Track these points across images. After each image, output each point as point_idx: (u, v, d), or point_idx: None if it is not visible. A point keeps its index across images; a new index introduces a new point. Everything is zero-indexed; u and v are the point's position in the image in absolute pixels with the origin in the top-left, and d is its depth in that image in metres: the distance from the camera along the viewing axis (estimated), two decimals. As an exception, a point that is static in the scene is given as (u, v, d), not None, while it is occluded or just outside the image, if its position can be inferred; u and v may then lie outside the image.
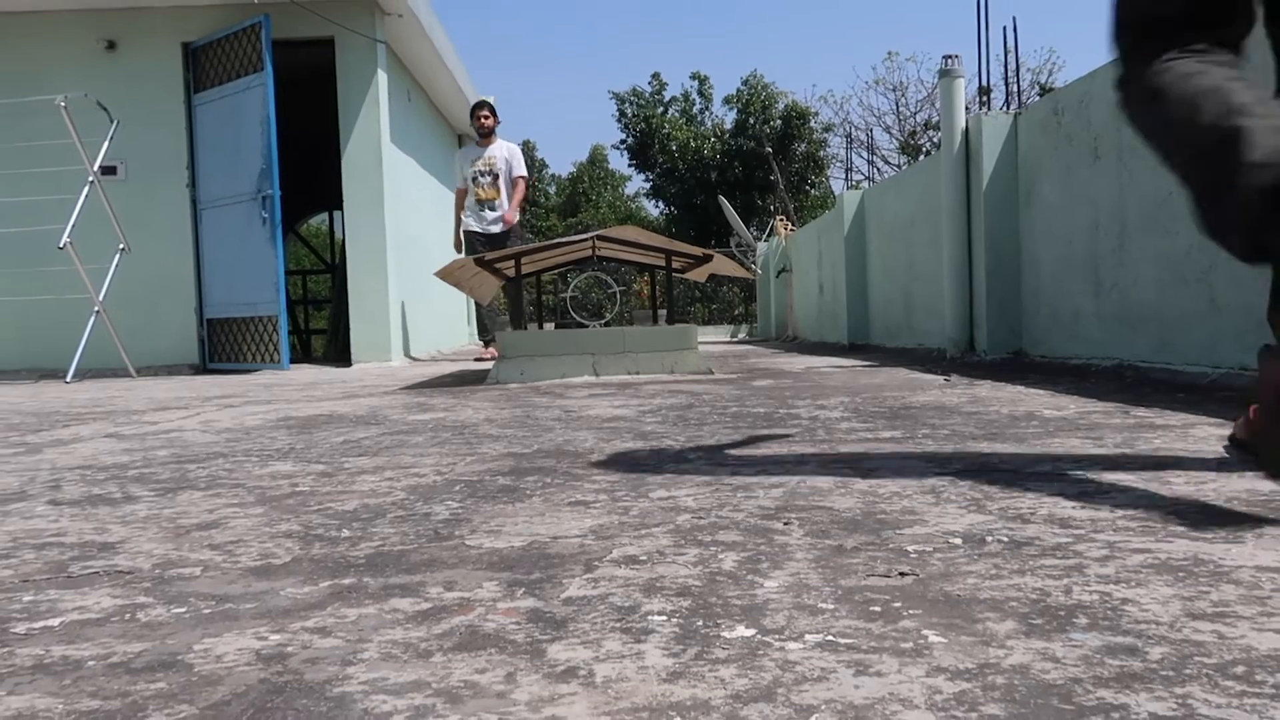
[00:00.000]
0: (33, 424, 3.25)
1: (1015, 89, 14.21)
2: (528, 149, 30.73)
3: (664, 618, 0.91)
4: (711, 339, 12.54)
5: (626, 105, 25.72)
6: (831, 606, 0.92)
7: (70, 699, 0.76)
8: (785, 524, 1.29)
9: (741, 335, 13.55)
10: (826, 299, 8.92)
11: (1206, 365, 3.29)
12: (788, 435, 2.25)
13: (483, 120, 7.80)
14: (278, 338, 7.16)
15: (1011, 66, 13.91)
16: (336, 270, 10.56)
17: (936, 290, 5.66)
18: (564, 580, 1.05)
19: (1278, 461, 1.27)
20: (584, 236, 5.49)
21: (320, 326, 14.11)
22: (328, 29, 7.40)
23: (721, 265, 5.86)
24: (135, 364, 7.00)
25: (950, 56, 5.26)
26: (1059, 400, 2.85)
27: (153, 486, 1.80)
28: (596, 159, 32.00)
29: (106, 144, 7.00)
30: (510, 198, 7.80)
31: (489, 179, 7.74)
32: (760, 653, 0.80)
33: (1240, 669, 0.74)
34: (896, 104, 29.61)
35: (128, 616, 0.97)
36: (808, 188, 24.16)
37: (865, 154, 26.04)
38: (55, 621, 0.96)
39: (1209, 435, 1.94)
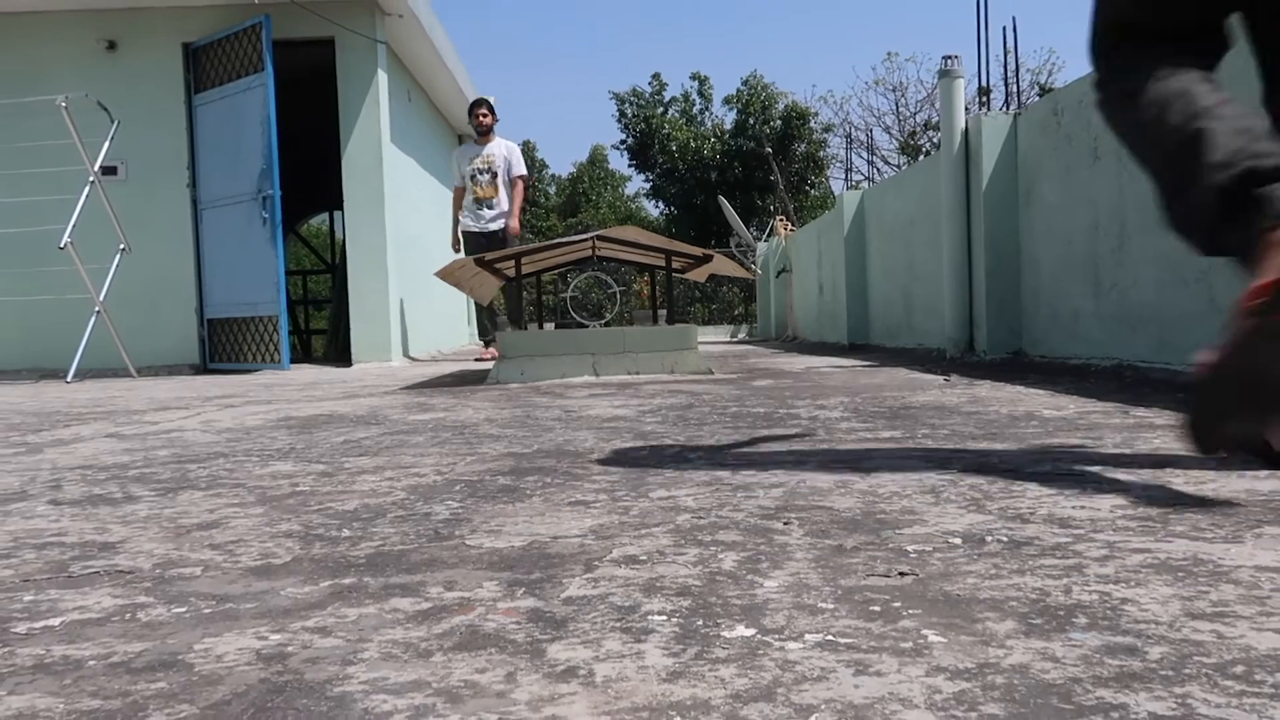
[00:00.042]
0: (33, 424, 3.25)
1: (1015, 89, 14.21)
2: (528, 149, 30.72)
3: (664, 617, 0.91)
4: (711, 339, 12.55)
5: (626, 105, 25.73)
6: (831, 606, 0.93)
7: (71, 699, 0.76)
8: (785, 524, 1.29)
9: (741, 335, 13.55)
10: (826, 299, 8.92)
11: (1206, 365, 3.29)
12: (788, 435, 2.25)
13: (481, 118, 7.78)
14: (278, 338, 7.16)
15: (1011, 67, 13.91)
16: (337, 270, 10.56)
17: (936, 290, 5.67)
18: (564, 580, 1.05)
19: (1201, 435, 1.32)
20: (584, 236, 5.49)
21: (320, 326, 14.12)
22: (328, 29, 7.40)
23: (721, 265, 5.86)
24: (136, 364, 7.00)
25: (950, 57, 5.26)
26: (1058, 400, 2.85)
27: (153, 486, 1.80)
28: (596, 159, 32.00)
29: (107, 144, 7.00)
30: (509, 196, 7.78)
31: (487, 177, 7.73)
32: (760, 652, 0.81)
33: (1239, 669, 0.74)
34: (896, 104, 29.65)
35: (128, 616, 0.97)
36: (807, 188, 24.17)
37: (865, 154, 26.05)
38: (56, 621, 0.97)
39: (1209, 435, 1.94)
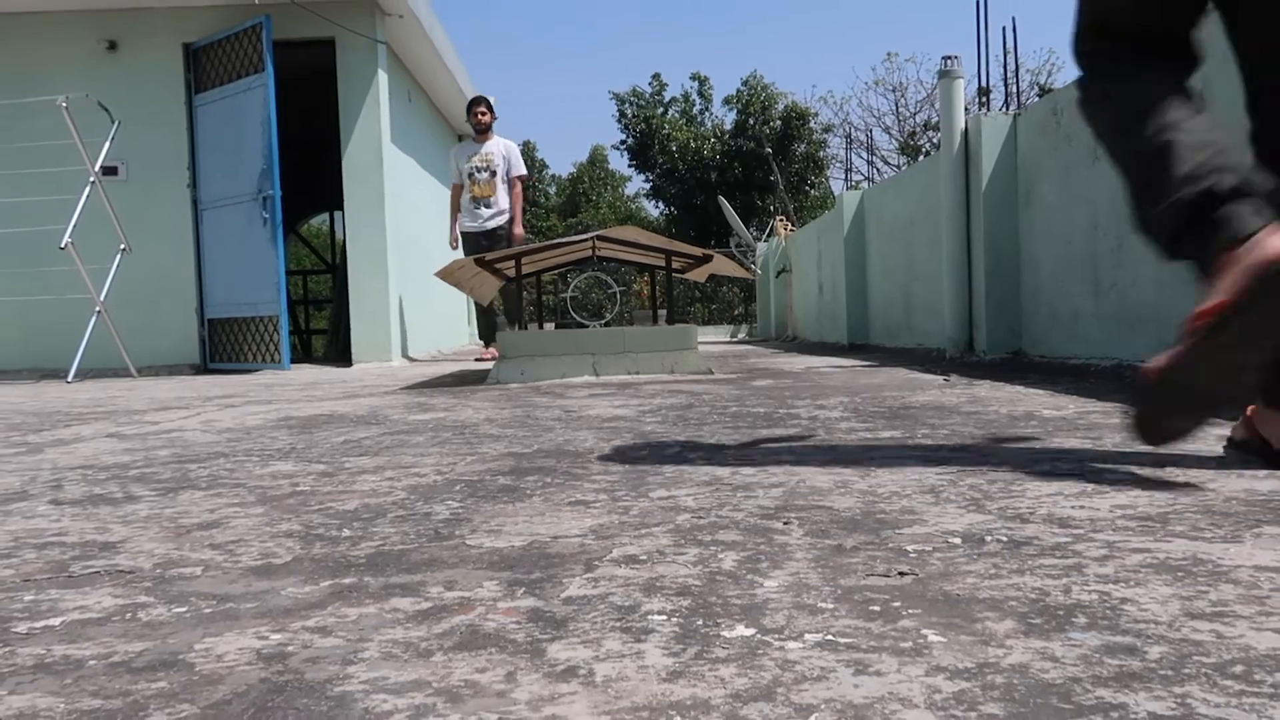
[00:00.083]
0: (34, 424, 3.25)
1: (1014, 90, 14.21)
2: (527, 149, 30.71)
3: (664, 617, 0.91)
4: (711, 339, 12.55)
5: (626, 106, 25.74)
6: (831, 606, 0.93)
7: (71, 698, 0.76)
8: (785, 524, 1.29)
9: (741, 335, 13.56)
10: (826, 299, 8.92)
11: (1206, 365, 3.29)
12: (788, 435, 2.26)
13: (479, 116, 7.77)
14: (278, 338, 7.16)
15: (1011, 67, 13.92)
16: (337, 270, 10.57)
17: (936, 290, 5.67)
18: (564, 580, 1.05)
19: (1145, 429, 1.49)
20: (584, 237, 5.49)
21: (321, 326, 14.12)
22: (328, 30, 7.40)
23: (721, 265, 5.86)
24: (136, 364, 7.00)
25: (950, 57, 5.26)
26: (1058, 400, 2.85)
27: (154, 486, 1.80)
28: (596, 159, 31.99)
29: (107, 144, 7.00)
30: (508, 195, 7.77)
31: (485, 175, 7.72)
32: (760, 652, 0.81)
33: (1239, 668, 0.74)
34: (896, 105, 29.67)
35: (129, 616, 0.97)
36: (807, 188, 24.17)
37: (865, 154, 26.07)
38: (56, 621, 0.97)
39: (1207, 435, 1.95)
